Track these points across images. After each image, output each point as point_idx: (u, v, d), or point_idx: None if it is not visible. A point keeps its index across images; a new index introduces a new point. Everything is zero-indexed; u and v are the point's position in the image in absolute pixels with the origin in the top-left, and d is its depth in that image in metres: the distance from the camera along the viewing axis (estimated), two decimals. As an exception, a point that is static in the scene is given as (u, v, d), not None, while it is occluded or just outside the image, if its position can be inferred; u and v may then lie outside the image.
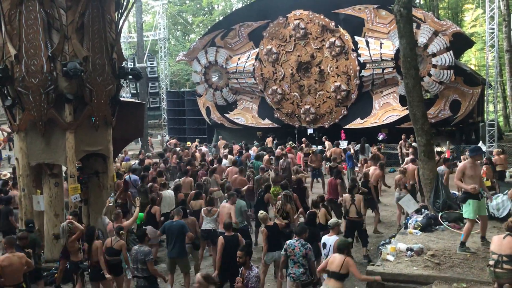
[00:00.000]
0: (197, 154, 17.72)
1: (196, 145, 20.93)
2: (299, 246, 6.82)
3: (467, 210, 7.72)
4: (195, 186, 11.63)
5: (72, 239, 7.90)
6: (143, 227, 9.69)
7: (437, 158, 12.22)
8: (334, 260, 6.21)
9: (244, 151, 17.28)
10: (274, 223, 8.11)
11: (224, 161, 15.09)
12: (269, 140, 20.78)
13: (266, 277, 8.30)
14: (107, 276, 7.41)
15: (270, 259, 7.94)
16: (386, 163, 18.17)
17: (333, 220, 7.58)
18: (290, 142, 19.56)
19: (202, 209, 9.47)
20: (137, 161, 17.98)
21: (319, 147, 19.81)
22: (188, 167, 13.95)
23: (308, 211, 8.63)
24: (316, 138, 21.48)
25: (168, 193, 11.00)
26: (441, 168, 11.66)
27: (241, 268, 6.38)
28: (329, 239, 7.11)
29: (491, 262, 6.10)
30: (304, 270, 6.79)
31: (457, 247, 7.76)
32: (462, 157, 13.33)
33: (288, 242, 6.99)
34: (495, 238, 6.30)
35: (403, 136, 18.03)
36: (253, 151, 17.77)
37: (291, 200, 9.15)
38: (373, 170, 12.17)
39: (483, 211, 7.89)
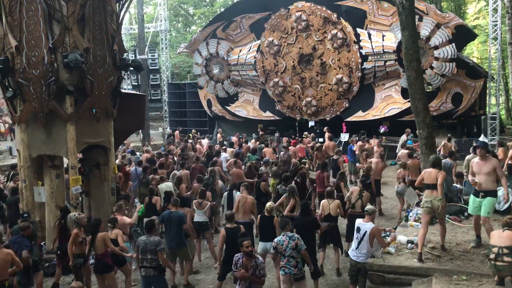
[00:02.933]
0: (198, 146, 17.69)
1: (194, 137, 20.81)
2: (287, 240, 6.85)
3: None
4: (196, 179, 11.63)
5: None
6: (145, 218, 9.77)
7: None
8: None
9: (244, 144, 17.29)
10: (271, 215, 8.16)
11: (224, 154, 15.08)
12: (285, 139, 20.36)
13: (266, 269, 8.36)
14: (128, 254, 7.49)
15: (262, 249, 8.06)
16: (388, 156, 18.23)
17: (371, 206, 7.60)
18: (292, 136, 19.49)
19: (193, 202, 9.56)
20: (139, 153, 18.04)
21: (320, 139, 19.73)
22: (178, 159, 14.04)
23: (301, 202, 8.67)
24: (318, 130, 21.44)
25: (165, 185, 11.02)
26: (448, 161, 11.64)
27: (239, 258, 6.39)
28: (365, 225, 7.09)
29: (492, 256, 6.11)
30: (296, 262, 6.82)
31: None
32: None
33: (275, 240, 7.01)
34: (494, 233, 6.32)
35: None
36: (252, 143, 17.76)
37: (296, 194, 9.18)
38: (375, 163, 12.15)
39: (479, 211, 7.59)
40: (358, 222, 7.28)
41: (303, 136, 19.33)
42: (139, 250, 7.13)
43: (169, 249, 8.36)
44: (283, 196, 9.42)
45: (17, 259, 6.90)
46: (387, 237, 8.24)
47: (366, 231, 7.02)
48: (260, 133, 21.19)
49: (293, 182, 10.68)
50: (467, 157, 11.94)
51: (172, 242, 8.24)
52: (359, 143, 15.81)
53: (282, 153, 14.62)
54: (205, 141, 19.06)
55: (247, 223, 8.87)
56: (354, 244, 7.23)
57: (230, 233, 7.54)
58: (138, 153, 18.57)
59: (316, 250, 8.23)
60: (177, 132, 22.50)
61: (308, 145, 17.52)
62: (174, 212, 8.33)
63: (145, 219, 9.81)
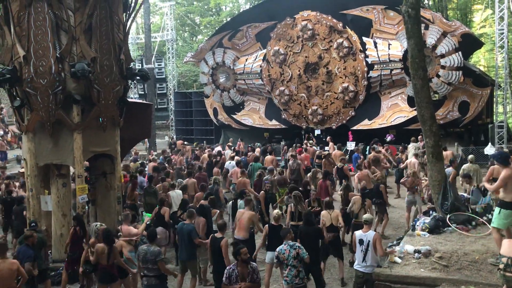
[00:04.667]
0: (204, 155, 17.71)
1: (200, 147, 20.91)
2: (288, 248, 6.86)
3: None
4: (199, 188, 11.67)
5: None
6: (152, 228, 9.77)
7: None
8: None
9: (250, 153, 17.29)
10: (280, 224, 8.14)
11: (232, 162, 15.08)
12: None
13: (272, 278, 8.33)
14: (133, 270, 7.49)
15: (270, 259, 8.04)
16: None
17: (368, 215, 7.58)
18: (311, 141, 19.38)
19: None
20: (145, 161, 18.07)
21: (326, 148, 19.66)
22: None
23: (304, 212, 8.63)
24: (324, 139, 21.39)
25: (176, 193, 11.04)
26: (449, 170, 11.55)
27: (233, 269, 6.30)
28: (366, 235, 7.07)
29: (501, 266, 6.03)
30: (297, 272, 6.83)
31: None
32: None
33: (277, 249, 7.02)
34: (505, 242, 6.24)
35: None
36: (257, 152, 17.74)
37: (302, 200, 9.14)
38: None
39: None
40: (359, 234, 7.21)
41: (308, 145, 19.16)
42: (140, 259, 7.16)
43: (180, 261, 8.35)
44: (289, 205, 9.36)
45: (22, 270, 6.89)
46: (394, 247, 8.22)
47: (369, 241, 6.99)
48: (239, 143, 21.12)
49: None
50: (463, 166, 11.92)
51: (182, 254, 8.23)
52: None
53: (291, 162, 14.53)
54: (218, 149, 19.08)
55: (241, 240, 8.44)
56: (359, 256, 7.13)
57: (214, 241, 7.65)
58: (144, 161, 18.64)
59: (320, 260, 8.18)
60: (179, 141, 22.55)
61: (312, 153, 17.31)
62: (186, 225, 8.30)
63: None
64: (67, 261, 8.53)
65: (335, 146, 17.23)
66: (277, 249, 6.99)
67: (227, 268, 6.45)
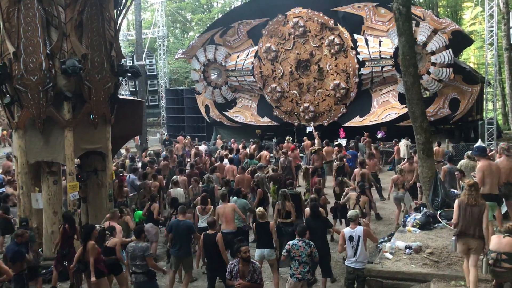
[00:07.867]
0: (192, 152, 17.68)
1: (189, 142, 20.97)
2: (303, 245, 6.89)
3: None
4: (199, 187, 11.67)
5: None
6: (139, 225, 9.76)
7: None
8: None
9: (242, 150, 17.29)
10: (267, 221, 8.12)
11: (225, 160, 15.06)
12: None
13: (264, 275, 8.33)
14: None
15: (258, 256, 8.01)
16: (385, 162, 18.27)
17: (353, 211, 7.60)
18: (288, 137, 19.33)
19: (197, 207, 9.51)
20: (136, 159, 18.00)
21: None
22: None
23: (311, 203, 8.60)
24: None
25: (178, 191, 10.96)
26: (451, 167, 11.61)
27: (234, 265, 6.33)
28: (355, 231, 7.09)
29: (491, 261, 6.10)
30: (309, 268, 6.91)
31: None
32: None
33: (291, 243, 7.02)
34: (494, 238, 6.31)
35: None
36: (251, 149, 17.71)
37: (288, 199, 9.10)
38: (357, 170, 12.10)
39: None
40: (348, 231, 7.21)
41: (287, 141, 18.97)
42: (128, 256, 7.12)
43: (176, 258, 8.29)
44: (277, 203, 9.29)
45: (5, 267, 6.82)
46: (385, 243, 8.27)
47: (359, 236, 7.03)
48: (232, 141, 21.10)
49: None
50: (461, 162, 11.96)
51: (179, 251, 8.16)
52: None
53: (282, 159, 14.52)
54: (202, 147, 19.02)
55: (232, 233, 8.69)
56: (350, 253, 7.17)
57: (207, 238, 7.58)
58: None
59: (328, 251, 8.21)
60: (180, 137, 22.50)
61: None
62: (183, 221, 8.26)
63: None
64: (56, 258, 8.47)
65: (321, 141, 17.20)
66: (290, 243, 7.00)
67: (230, 263, 6.53)
